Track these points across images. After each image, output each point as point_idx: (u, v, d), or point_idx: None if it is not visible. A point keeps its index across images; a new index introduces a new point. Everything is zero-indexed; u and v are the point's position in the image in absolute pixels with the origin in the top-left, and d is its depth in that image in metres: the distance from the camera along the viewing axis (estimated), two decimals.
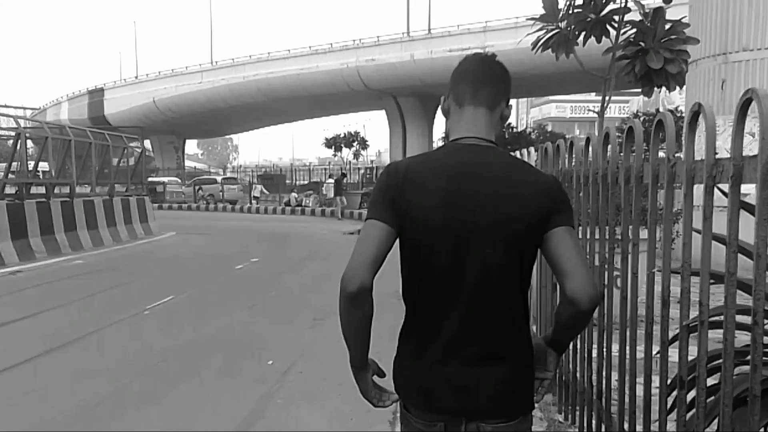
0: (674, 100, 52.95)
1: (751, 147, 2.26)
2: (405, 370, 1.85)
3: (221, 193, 37.95)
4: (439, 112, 2.04)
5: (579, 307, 1.69)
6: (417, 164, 1.79)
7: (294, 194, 35.84)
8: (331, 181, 31.87)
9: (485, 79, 1.84)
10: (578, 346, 3.63)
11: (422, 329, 1.80)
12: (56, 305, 9.07)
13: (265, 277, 11.86)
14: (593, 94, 66.24)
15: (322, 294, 9.84)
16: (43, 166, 19.05)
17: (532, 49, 6.50)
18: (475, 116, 1.82)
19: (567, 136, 4.89)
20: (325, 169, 47.43)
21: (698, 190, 2.37)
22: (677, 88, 5.70)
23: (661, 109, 28.39)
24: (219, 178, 41.84)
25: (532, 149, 5.22)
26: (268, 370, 6.02)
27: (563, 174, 3.63)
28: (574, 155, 3.53)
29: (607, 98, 6.13)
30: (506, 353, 1.76)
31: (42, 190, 16.30)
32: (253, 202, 36.43)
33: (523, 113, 76.45)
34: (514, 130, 34.05)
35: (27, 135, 17.21)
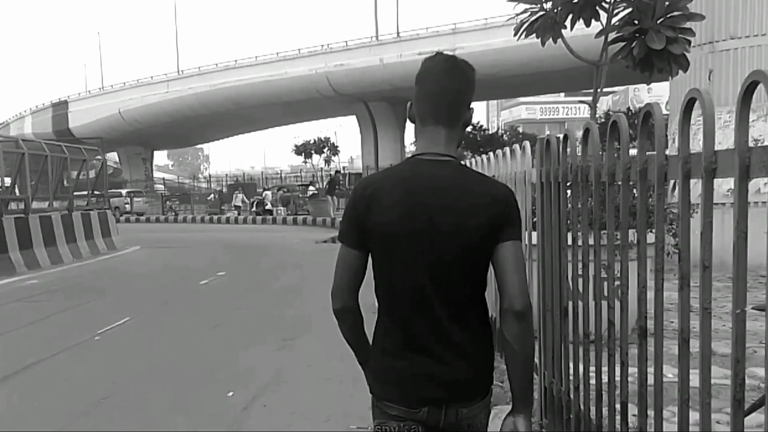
0: (643, 99, 53.13)
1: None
2: (382, 366, 1.99)
3: (126, 206, 37.93)
4: None
5: (514, 308, 1.84)
6: (380, 181, 1.94)
7: (240, 194, 35.48)
8: (268, 193, 32.43)
9: (445, 97, 1.91)
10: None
11: (393, 328, 1.96)
12: None
13: (231, 292, 11.14)
14: (562, 95, 66.64)
15: (292, 310, 9.17)
16: None
17: (515, 35, 5.88)
18: (435, 134, 1.91)
19: (539, 137, 4.41)
20: (297, 176, 46.72)
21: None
22: (670, 77, 5.18)
23: (631, 109, 28.21)
24: (125, 191, 41.81)
25: (507, 149, 4.64)
26: (226, 403, 5.33)
27: (555, 173, 3.04)
28: (569, 150, 2.97)
29: (600, 86, 5.54)
30: (472, 347, 1.93)
31: None
32: (234, 211, 35.23)
33: (493, 116, 76.41)
34: (486, 132, 33.76)
35: None
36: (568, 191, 2.83)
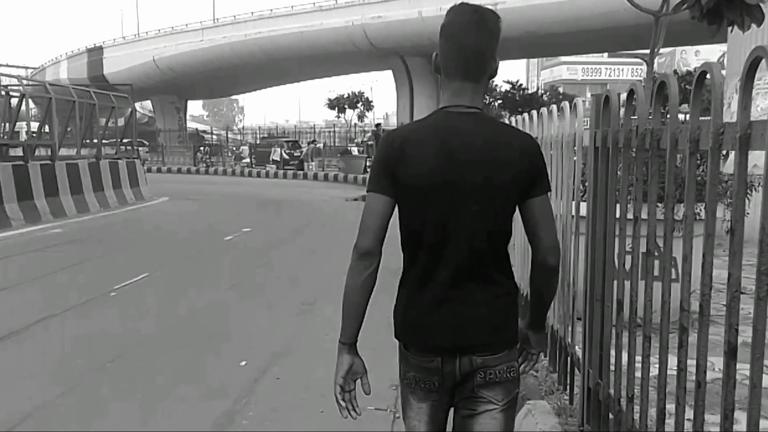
0: (690, 62, 51.37)
1: None
2: (404, 313, 2.01)
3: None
4: None
5: (548, 262, 1.93)
6: (411, 132, 1.96)
7: (279, 149, 34.57)
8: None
9: (471, 53, 1.90)
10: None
11: (418, 278, 1.96)
12: (12, 284, 8.05)
13: (254, 250, 10.80)
14: (605, 55, 64.77)
15: (314, 271, 8.79)
16: (19, 126, 17.90)
17: None
18: (462, 88, 1.92)
19: (582, 99, 3.89)
20: (330, 131, 46.23)
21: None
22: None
23: (678, 72, 27.00)
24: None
25: (552, 108, 4.11)
26: (237, 374, 4.97)
27: (614, 136, 2.54)
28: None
29: (659, 42, 4.94)
30: (492, 297, 1.95)
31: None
32: (272, 165, 34.66)
33: (533, 75, 74.70)
34: (526, 91, 32.83)
35: (2, 93, 16.06)
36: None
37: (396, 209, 1.96)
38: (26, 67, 72.55)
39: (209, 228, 13.63)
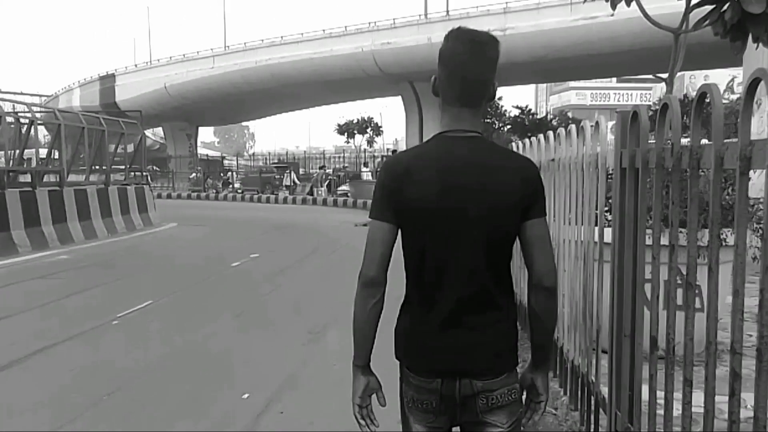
0: (698, 86, 51.09)
1: None
2: (406, 336, 2.02)
3: None
4: None
5: (544, 284, 1.93)
6: (411, 159, 1.98)
7: (294, 176, 34.93)
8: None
9: (469, 82, 1.92)
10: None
11: (421, 302, 1.98)
12: (15, 311, 7.87)
13: (262, 276, 10.59)
14: (614, 80, 64.73)
15: (322, 298, 8.57)
16: (29, 153, 17.86)
17: None
18: (461, 113, 1.95)
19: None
20: (339, 156, 46.33)
21: None
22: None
23: (688, 97, 26.81)
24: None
25: (570, 127, 3.92)
26: (240, 407, 4.75)
27: (644, 156, 2.33)
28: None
29: (678, 61, 4.74)
30: (493, 321, 1.95)
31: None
32: (286, 191, 34.84)
33: (542, 100, 74.69)
34: (535, 117, 32.72)
35: (12, 120, 16.03)
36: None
37: (399, 233, 1.98)
38: (40, 95, 73.24)
39: (216, 254, 13.45)
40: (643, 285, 2.39)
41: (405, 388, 2.03)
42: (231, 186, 38.61)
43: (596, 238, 3.22)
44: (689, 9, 4.48)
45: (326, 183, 33.31)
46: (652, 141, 2.38)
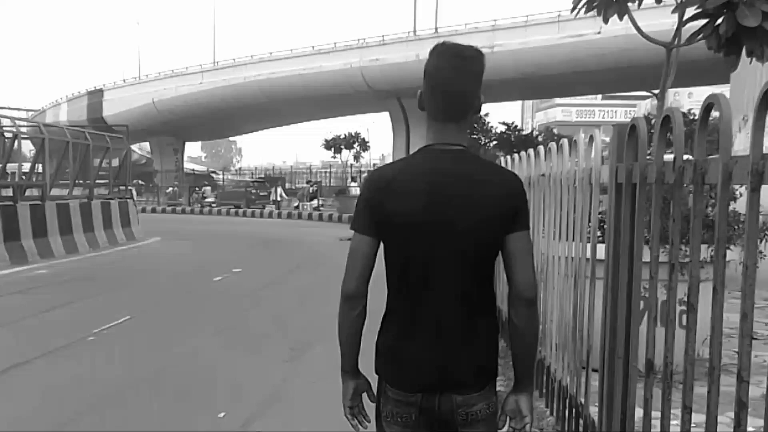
0: (683, 104, 51.55)
1: None
2: (387, 349, 2.00)
3: None
4: None
5: (524, 296, 1.90)
6: (395, 172, 1.97)
7: (281, 190, 34.67)
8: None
9: (454, 97, 1.92)
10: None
11: (403, 314, 1.98)
12: None
13: (244, 291, 10.40)
14: (599, 97, 65.24)
15: (305, 314, 8.40)
16: (12, 167, 17.60)
17: (572, 11, 4.98)
18: (446, 128, 1.94)
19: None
20: (326, 171, 46.23)
21: None
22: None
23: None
24: None
25: (562, 141, 3.80)
26: (216, 427, 4.56)
27: (643, 171, 2.20)
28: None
29: (670, 75, 4.64)
30: (475, 335, 1.94)
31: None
32: (273, 206, 34.53)
33: (528, 117, 75.05)
34: (521, 133, 32.77)
35: None
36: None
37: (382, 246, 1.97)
38: (27, 110, 72.69)
39: (199, 268, 13.24)
40: (639, 304, 2.25)
41: (383, 402, 2.02)
42: (205, 200, 38.66)
43: (588, 255, 3.08)
44: (683, 23, 4.38)
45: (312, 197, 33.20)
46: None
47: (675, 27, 4.61)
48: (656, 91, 5.18)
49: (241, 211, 34.05)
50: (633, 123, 2.28)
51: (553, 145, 3.94)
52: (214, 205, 36.88)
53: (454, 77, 1.90)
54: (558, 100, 65.32)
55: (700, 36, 4.28)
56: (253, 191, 36.44)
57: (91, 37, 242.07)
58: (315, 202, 33.17)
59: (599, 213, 3.06)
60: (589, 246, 3.06)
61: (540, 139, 32.79)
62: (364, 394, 2.13)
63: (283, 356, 6.39)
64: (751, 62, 4.26)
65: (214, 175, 57.79)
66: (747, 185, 1.54)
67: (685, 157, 2.01)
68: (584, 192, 3.16)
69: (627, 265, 2.29)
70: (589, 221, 3.12)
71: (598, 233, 3.06)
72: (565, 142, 3.67)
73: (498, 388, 2.16)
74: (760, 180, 1.52)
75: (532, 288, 1.91)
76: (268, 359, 6.30)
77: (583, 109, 68.46)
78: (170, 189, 43.91)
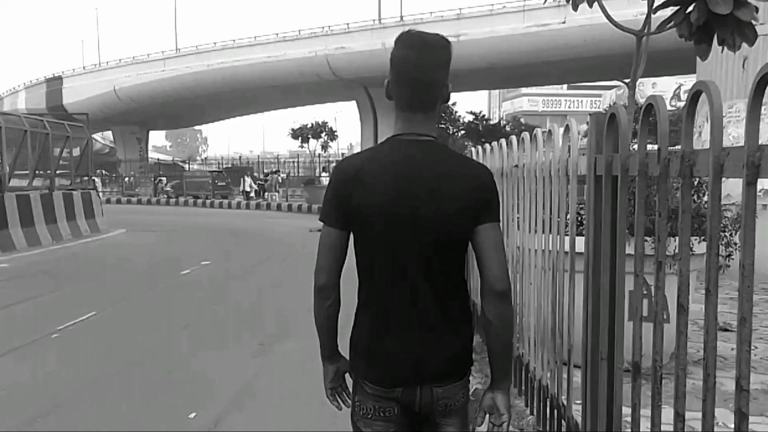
0: (647, 94, 52.08)
1: None
2: (362, 344, 1.97)
3: None
4: None
5: (495, 288, 1.87)
6: (363, 162, 1.93)
7: (249, 180, 34.12)
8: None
9: (423, 87, 1.89)
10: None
11: (372, 308, 1.96)
12: None
13: (212, 284, 10.24)
14: (565, 87, 65.76)
15: (274, 307, 8.29)
16: None
17: None
18: (414, 117, 1.91)
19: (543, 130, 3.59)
20: (294, 161, 45.97)
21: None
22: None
23: (637, 103, 27.07)
24: None
25: (536, 130, 3.74)
26: (186, 428, 4.45)
27: (624, 162, 2.15)
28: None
29: (641, 64, 4.61)
30: (450, 326, 1.93)
31: None
32: (241, 197, 33.82)
33: (495, 106, 75.37)
34: (489, 122, 32.89)
35: None
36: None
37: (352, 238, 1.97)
38: None
39: (165, 261, 13.02)
40: (623, 299, 2.19)
41: (361, 400, 1.99)
42: (162, 190, 38.27)
43: (566, 248, 3.02)
44: (652, 10, 4.35)
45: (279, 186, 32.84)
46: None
47: (639, 17, 4.57)
48: (627, 81, 5.14)
49: (208, 202, 33.62)
50: (613, 112, 2.21)
51: (526, 134, 3.88)
52: (170, 195, 36.40)
53: (421, 68, 1.87)
54: (524, 90, 65.74)
55: (671, 24, 4.24)
56: (210, 182, 36.22)
57: (49, 22, 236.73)
58: (269, 194, 32.77)
59: (577, 204, 3.01)
60: (567, 239, 3.01)
61: (508, 128, 32.98)
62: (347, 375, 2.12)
63: (253, 352, 6.28)
64: (723, 51, 4.24)
65: (181, 165, 56.99)
66: (743, 178, 1.48)
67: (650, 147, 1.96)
68: (561, 184, 3.10)
69: (609, 259, 2.24)
70: (567, 214, 3.07)
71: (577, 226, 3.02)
72: (539, 132, 3.61)
73: (476, 386, 2.15)
74: (757, 173, 1.45)
75: (503, 280, 1.89)
76: (237, 355, 6.18)
77: (550, 99, 69.00)
78: (127, 178, 43.22)
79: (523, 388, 4.12)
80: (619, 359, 2.19)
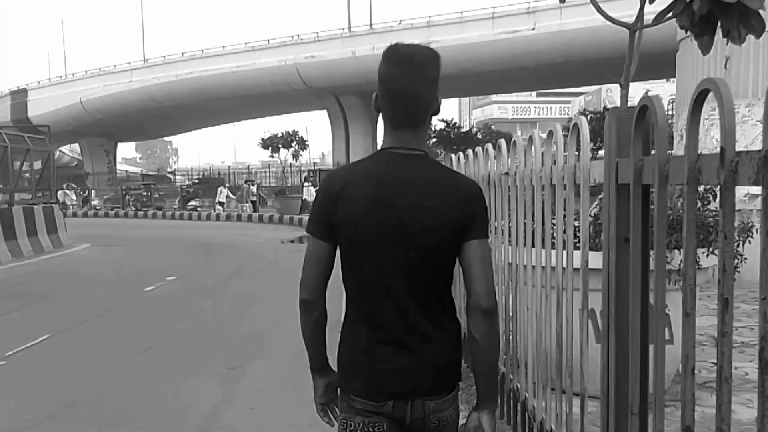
0: (615, 100, 52.41)
1: None
2: (350, 358, 1.94)
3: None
4: None
5: (481, 306, 1.84)
6: (351, 175, 1.93)
7: (225, 190, 33.43)
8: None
9: (413, 104, 1.87)
10: None
11: (360, 321, 1.92)
12: None
13: (177, 302, 9.72)
14: (534, 94, 66.08)
15: (244, 327, 7.79)
16: None
17: None
18: (403, 133, 1.90)
19: (513, 136, 3.24)
20: (266, 171, 45.41)
21: None
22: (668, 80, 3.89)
23: (608, 108, 27.04)
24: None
25: (533, 133, 3.35)
26: None
27: (662, 168, 1.77)
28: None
29: (634, 61, 4.26)
30: (439, 340, 1.90)
31: None
32: (219, 208, 32.86)
33: (465, 114, 75.50)
34: (460, 130, 32.69)
35: None
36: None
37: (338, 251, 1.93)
38: None
39: (130, 277, 12.45)
40: (663, 330, 1.78)
41: (348, 417, 1.94)
42: (89, 203, 37.94)
43: (576, 265, 2.59)
44: (644, 2, 3.99)
45: (253, 199, 32.12)
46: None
47: (628, 19, 4.22)
48: (610, 79, 4.79)
49: (177, 213, 32.89)
50: (645, 104, 1.80)
51: (518, 137, 3.47)
52: (98, 208, 36.33)
53: (409, 84, 1.85)
54: (494, 98, 66.00)
55: (670, 14, 3.88)
56: (145, 193, 36.35)
57: (13, 35, 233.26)
58: (241, 205, 32.38)
59: (594, 216, 2.62)
60: (576, 254, 2.58)
61: (479, 136, 32.80)
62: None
63: (219, 377, 5.80)
64: (727, 43, 3.88)
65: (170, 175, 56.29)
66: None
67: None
68: (568, 194, 2.67)
69: (640, 281, 1.83)
70: (578, 228, 2.66)
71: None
72: (535, 134, 3.20)
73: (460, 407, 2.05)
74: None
75: (489, 298, 1.85)
76: (202, 381, 5.69)
77: (519, 106, 69.33)
78: (85, 191, 42.26)
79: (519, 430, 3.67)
80: (660, 416, 1.75)
